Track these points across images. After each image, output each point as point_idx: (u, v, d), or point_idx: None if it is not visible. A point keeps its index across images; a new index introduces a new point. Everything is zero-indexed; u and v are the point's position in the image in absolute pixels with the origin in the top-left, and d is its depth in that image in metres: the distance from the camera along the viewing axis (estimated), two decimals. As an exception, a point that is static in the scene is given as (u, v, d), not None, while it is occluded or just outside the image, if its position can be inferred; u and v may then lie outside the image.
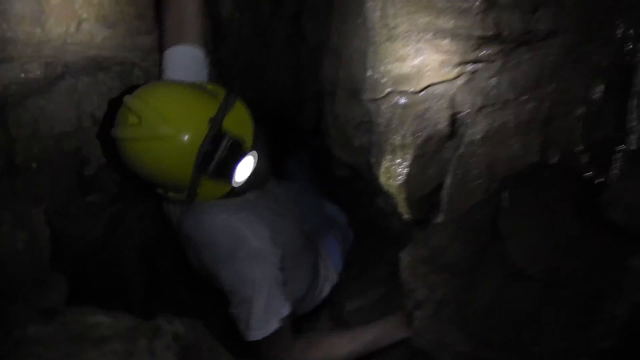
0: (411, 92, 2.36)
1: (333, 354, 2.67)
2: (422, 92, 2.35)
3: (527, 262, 1.90)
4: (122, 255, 3.20)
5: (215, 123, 2.30)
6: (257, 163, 2.51)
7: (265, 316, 2.56)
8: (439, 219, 2.31)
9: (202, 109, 2.34)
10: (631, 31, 1.91)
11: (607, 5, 2.04)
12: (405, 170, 2.44)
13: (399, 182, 2.44)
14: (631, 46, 1.89)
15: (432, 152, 2.39)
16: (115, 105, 2.42)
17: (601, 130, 1.88)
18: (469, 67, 2.27)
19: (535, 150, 2.21)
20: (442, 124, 2.34)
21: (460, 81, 2.30)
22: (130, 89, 2.44)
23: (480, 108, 2.27)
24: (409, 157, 2.43)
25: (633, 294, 1.74)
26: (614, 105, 1.90)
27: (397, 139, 2.41)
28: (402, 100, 2.38)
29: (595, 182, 1.80)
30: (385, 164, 2.43)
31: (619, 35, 1.97)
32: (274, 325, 2.57)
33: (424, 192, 2.42)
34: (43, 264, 1.74)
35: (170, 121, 2.24)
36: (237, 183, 2.47)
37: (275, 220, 2.74)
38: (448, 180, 2.34)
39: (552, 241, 1.89)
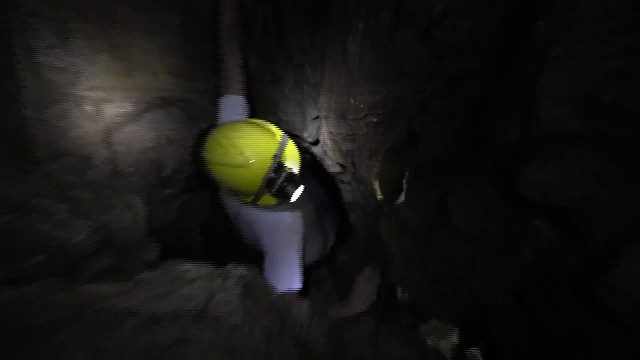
0: (380, 113, 2.33)
1: None
2: (388, 114, 2.32)
3: (465, 225, 1.88)
4: (188, 228, 3.39)
5: (277, 158, 2.42)
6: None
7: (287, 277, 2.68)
8: (403, 198, 2.27)
9: (268, 146, 2.43)
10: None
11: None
12: (378, 166, 2.45)
13: (374, 174, 2.43)
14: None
15: (395, 154, 2.37)
16: (203, 134, 2.58)
17: (511, 135, 1.87)
18: (418, 95, 2.23)
19: (464, 145, 2.16)
20: (402, 135, 2.32)
21: (413, 104, 2.26)
22: (211, 125, 2.70)
23: (424, 122, 2.24)
24: (380, 157, 2.44)
25: (535, 241, 1.74)
26: (520, 116, 1.89)
27: (372, 146, 2.40)
28: (375, 119, 2.37)
29: (511, 169, 1.79)
30: (365, 162, 2.41)
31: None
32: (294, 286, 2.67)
33: (392, 180, 2.40)
34: (142, 233, 1.74)
35: (246, 155, 2.34)
36: (291, 201, 2.56)
37: (301, 209, 2.92)
38: (406, 173, 2.31)
39: (482, 211, 1.87)
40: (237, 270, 1.02)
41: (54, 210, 1.40)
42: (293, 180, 2.47)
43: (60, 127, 2.55)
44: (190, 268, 1.06)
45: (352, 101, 2.49)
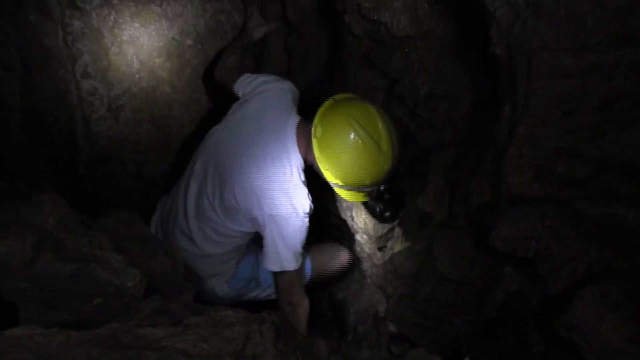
0: None
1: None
2: None
3: (448, 272, 1.94)
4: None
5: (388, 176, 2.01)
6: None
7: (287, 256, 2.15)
8: (397, 247, 2.25)
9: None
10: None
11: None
12: (372, 222, 2.34)
13: (371, 226, 2.36)
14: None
15: None
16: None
17: (484, 197, 1.93)
18: (407, 162, 2.26)
19: (446, 208, 2.21)
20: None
21: (402, 168, 2.27)
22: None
23: (412, 184, 2.27)
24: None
25: (505, 285, 1.80)
26: (490, 181, 1.95)
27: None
28: None
29: (485, 225, 1.83)
30: (361, 217, 2.38)
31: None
32: (289, 266, 2.15)
33: (383, 230, 2.33)
34: (180, 278, 1.72)
35: (391, 142, 1.92)
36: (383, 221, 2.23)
37: None
38: (399, 222, 2.31)
39: (462, 260, 1.93)
40: (270, 317, 1.07)
41: (111, 260, 1.44)
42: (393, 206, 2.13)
43: (108, 185, 2.58)
44: (230, 313, 1.10)
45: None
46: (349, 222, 2.52)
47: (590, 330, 1.37)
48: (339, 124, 1.94)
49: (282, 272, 2.19)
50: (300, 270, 2.24)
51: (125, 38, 2.49)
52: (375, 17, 2.14)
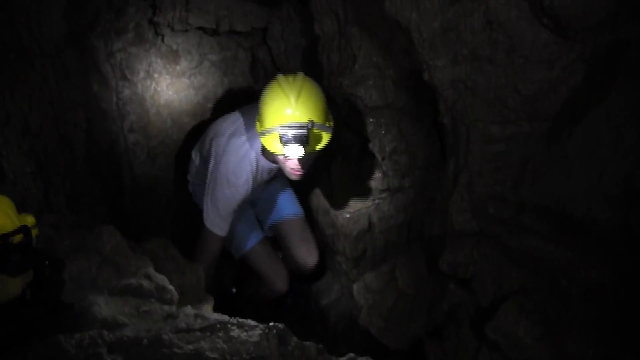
0: (350, 211, 2.33)
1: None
2: (356, 212, 2.31)
3: (407, 288, 1.96)
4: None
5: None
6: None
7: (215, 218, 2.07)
8: (368, 268, 2.25)
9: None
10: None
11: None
12: (350, 245, 2.34)
13: (348, 250, 2.36)
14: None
15: (360, 237, 2.33)
16: None
17: (434, 230, 1.98)
18: (376, 201, 2.30)
19: (405, 236, 2.27)
20: (365, 223, 2.32)
21: (372, 207, 2.31)
22: None
23: (380, 219, 2.30)
24: (350, 240, 2.34)
25: (449, 298, 1.81)
26: (439, 218, 2.01)
27: (345, 232, 2.34)
28: (347, 215, 2.33)
29: (435, 252, 1.86)
30: (340, 243, 2.38)
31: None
32: (215, 228, 2.08)
33: (357, 254, 2.36)
34: (202, 291, 1.75)
35: None
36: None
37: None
38: (369, 249, 2.34)
39: (417, 278, 1.95)
40: (275, 327, 1.12)
41: (152, 277, 1.48)
42: (301, 140, 1.75)
43: (147, 214, 2.62)
44: (244, 322, 1.16)
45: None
46: (331, 245, 2.51)
47: (510, 332, 1.40)
48: (271, 81, 1.92)
49: (204, 225, 2.11)
50: (215, 237, 2.11)
51: (162, 102, 2.60)
52: (352, 92, 2.18)
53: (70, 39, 2.10)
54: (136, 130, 2.53)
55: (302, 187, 2.61)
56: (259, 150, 2.06)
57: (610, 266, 1.37)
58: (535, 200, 1.63)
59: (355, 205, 2.34)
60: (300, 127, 1.77)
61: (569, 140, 1.54)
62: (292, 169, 1.95)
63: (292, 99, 1.81)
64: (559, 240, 1.49)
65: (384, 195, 2.28)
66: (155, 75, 2.56)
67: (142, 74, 2.50)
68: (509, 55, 1.56)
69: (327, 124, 1.92)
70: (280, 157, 1.93)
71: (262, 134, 1.88)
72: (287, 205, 2.58)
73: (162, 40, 2.59)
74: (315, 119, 1.84)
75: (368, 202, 2.32)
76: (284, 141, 1.78)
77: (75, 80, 2.06)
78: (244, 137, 2.07)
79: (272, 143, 1.87)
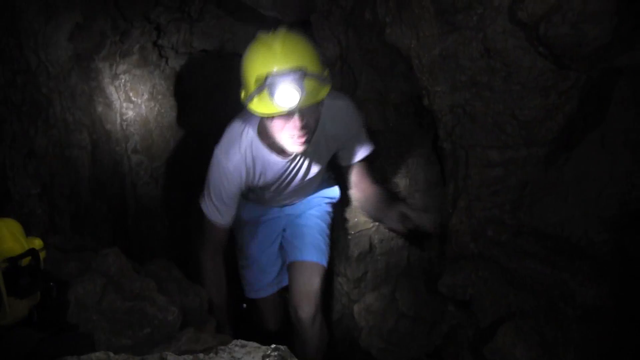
0: (353, 232, 2.36)
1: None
2: (357, 233, 2.33)
3: (407, 309, 1.97)
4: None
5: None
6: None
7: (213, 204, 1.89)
8: (369, 290, 2.25)
9: None
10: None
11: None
12: (353, 264, 2.34)
13: (349, 271, 2.37)
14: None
15: (363, 256, 2.33)
16: None
17: (434, 253, 2.00)
18: (377, 223, 2.29)
19: (405, 258, 2.25)
20: (366, 245, 2.34)
21: (373, 228, 2.33)
22: None
23: (381, 240, 2.31)
24: (353, 258, 2.33)
25: (448, 320, 1.82)
26: (439, 241, 2.01)
27: (350, 251, 2.35)
28: (348, 237, 2.35)
29: (434, 275, 1.88)
30: (342, 264, 2.40)
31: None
32: (210, 215, 1.91)
33: (358, 275, 2.35)
34: (205, 312, 1.76)
35: None
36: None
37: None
38: (370, 270, 2.34)
39: (417, 301, 1.97)
40: (276, 349, 1.14)
41: (156, 299, 1.50)
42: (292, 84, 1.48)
43: (150, 235, 2.64)
44: (246, 343, 1.18)
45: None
46: (332, 266, 2.52)
47: (508, 353, 1.42)
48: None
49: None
50: (210, 223, 1.95)
51: (165, 124, 2.64)
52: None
53: (75, 61, 2.14)
54: (140, 151, 2.56)
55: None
56: (256, 136, 1.83)
57: (607, 288, 1.39)
58: (533, 223, 1.65)
59: (356, 227, 2.36)
60: (290, 73, 1.48)
61: (565, 164, 1.57)
62: (292, 135, 1.63)
63: (276, 46, 1.52)
64: (556, 263, 1.51)
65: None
66: (159, 96, 2.60)
67: (146, 96, 2.54)
68: (507, 82, 1.59)
69: (323, 74, 1.60)
70: (277, 126, 1.63)
71: (250, 99, 1.56)
72: (311, 248, 2.30)
73: (167, 62, 2.64)
74: (308, 67, 1.52)
75: (369, 224, 2.33)
76: (273, 92, 1.48)
77: (80, 101, 2.10)
78: (241, 120, 1.87)
79: (262, 104, 1.55)
